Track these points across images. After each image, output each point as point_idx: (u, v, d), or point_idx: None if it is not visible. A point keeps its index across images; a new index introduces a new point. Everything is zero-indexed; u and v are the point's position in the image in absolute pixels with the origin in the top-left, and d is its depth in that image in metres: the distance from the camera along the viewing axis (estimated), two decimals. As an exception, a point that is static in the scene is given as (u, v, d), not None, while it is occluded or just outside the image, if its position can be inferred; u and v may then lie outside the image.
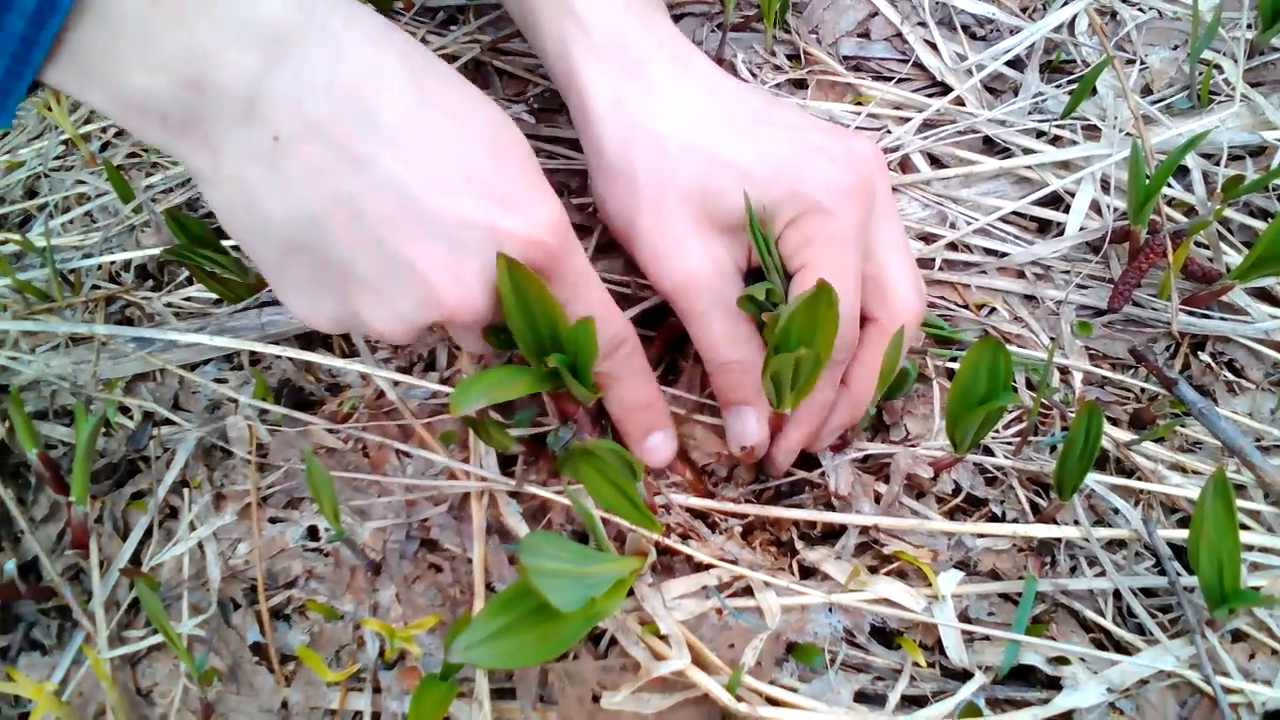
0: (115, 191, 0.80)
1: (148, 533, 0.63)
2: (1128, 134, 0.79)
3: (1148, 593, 0.58)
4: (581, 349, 0.50)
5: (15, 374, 0.70)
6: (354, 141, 0.45)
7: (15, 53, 0.40)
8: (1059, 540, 0.59)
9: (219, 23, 0.42)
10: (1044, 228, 0.77)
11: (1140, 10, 0.91)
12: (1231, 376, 0.70)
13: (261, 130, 0.44)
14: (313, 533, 0.62)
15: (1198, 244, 0.75)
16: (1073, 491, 0.55)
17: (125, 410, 0.69)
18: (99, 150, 0.89)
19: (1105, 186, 0.76)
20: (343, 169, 0.45)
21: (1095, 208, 0.76)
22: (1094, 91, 0.83)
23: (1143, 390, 0.69)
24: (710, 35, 0.88)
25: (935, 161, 0.80)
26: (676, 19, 0.87)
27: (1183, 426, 0.66)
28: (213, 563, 0.61)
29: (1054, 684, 0.54)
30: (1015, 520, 0.61)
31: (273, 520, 0.62)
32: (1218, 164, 0.78)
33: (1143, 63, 0.87)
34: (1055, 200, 0.78)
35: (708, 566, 0.57)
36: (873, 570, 0.58)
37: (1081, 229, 0.75)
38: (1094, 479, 0.61)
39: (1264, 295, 0.73)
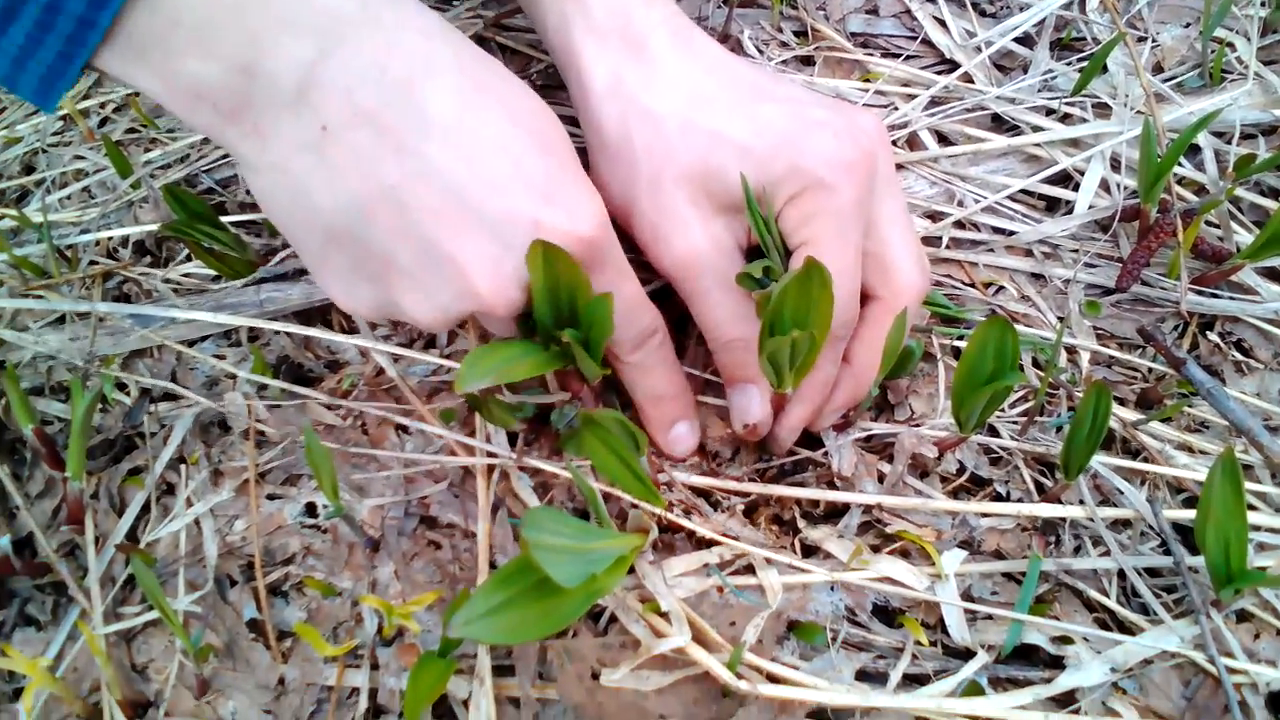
0: (114, 167, 0.79)
1: (144, 509, 0.63)
2: (1138, 112, 0.77)
3: (1152, 573, 0.57)
4: (597, 324, 0.50)
5: (12, 349, 0.70)
6: (403, 132, 0.45)
7: (71, 34, 0.41)
8: (1063, 520, 0.58)
9: (274, 11, 0.42)
10: (1053, 206, 0.76)
11: (1151, -13, 0.89)
12: (1240, 356, 0.69)
13: (311, 118, 0.45)
14: (311, 509, 0.62)
15: (1208, 223, 0.74)
16: (1079, 471, 0.55)
17: (122, 386, 0.68)
18: (97, 126, 0.89)
19: (1115, 165, 0.76)
20: (390, 159, 0.46)
21: (1105, 186, 0.75)
22: (1105, 69, 0.82)
23: (1150, 370, 0.68)
24: (716, 11, 0.87)
25: (943, 139, 0.80)
26: (681, -6, 0.86)
27: (1190, 407, 0.65)
28: (209, 539, 0.60)
29: (1057, 663, 0.53)
30: (1020, 500, 0.60)
31: (270, 497, 0.62)
32: (1229, 142, 0.77)
33: (1154, 40, 0.86)
34: (1064, 178, 0.77)
35: (709, 544, 0.56)
36: (875, 549, 0.58)
37: (1090, 207, 0.74)
38: (1100, 459, 0.61)
39: (1274, 275, 0.72)
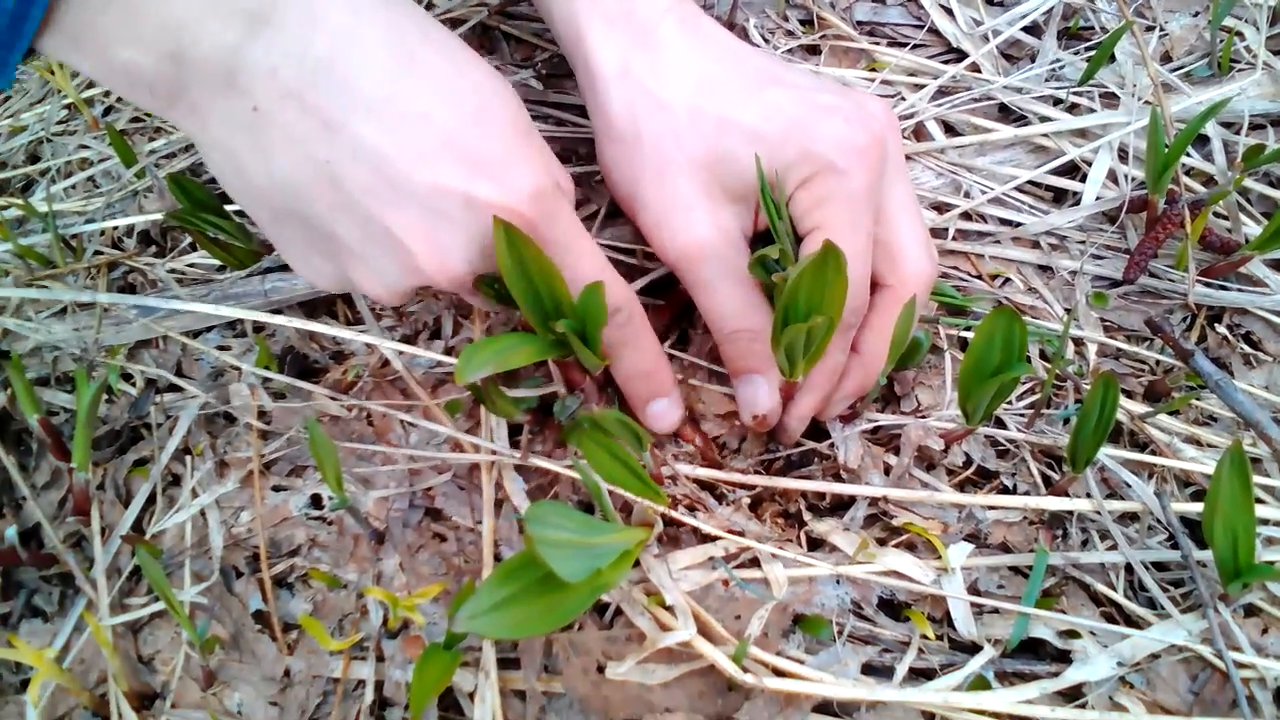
0: (118, 156, 0.79)
1: (150, 500, 0.63)
2: (1146, 102, 0.77)
3: (1160, 567, 0.57)
4: (590, 316, 0.49)
5: (17, 339, 0.70)
6: (330, 109, 0.45)
7: (7, 25, 0.42)
8: (1071, 513, 0.58)
9: None
10: (1060, 197, 0.76)
11: (1160, -25, 0.89)
12: (1248, 349, 0.69)
13: (242, 100, 0.45)
14: (316, 501, 0.62)
15: (1216, 214, 0.73)
16: (1086, 464, 0.55)
17: (128, 377, 0.68)
18: (102, 115, 0.88)
19: (1123, 155, 0.75)
20: (320, 137, 0.46)
21: (1112, 177, 0.75)
22: (1112, 58, 0.82)
23: (1158, 362, 0.68)
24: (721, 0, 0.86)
25: (950, 129, 0.79)
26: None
27: (1198, 399, 0.65)
28: (215, 530, 0.60)
29: (1064, 657, 0.53)
30: (1027, 493, 0.60)
31: (276, 488, 0.62)
32: (1238, 133, 0.77)
33: (1162, 29, 0.85)
34: (1072, 169, 0.76)
35: (714, 538, 0.56)
36: (881, 542, 0.58)
37: (1098, 198, 0.74)
38: (1107, 452, 0.61)
39: (1283, 267, 0.72)
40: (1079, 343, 0.68)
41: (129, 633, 0.58)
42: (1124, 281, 0.70)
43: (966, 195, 0.74)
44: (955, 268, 0.71)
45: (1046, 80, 0.81)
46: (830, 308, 0.47)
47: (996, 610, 0.55)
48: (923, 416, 0.62)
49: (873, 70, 0.82)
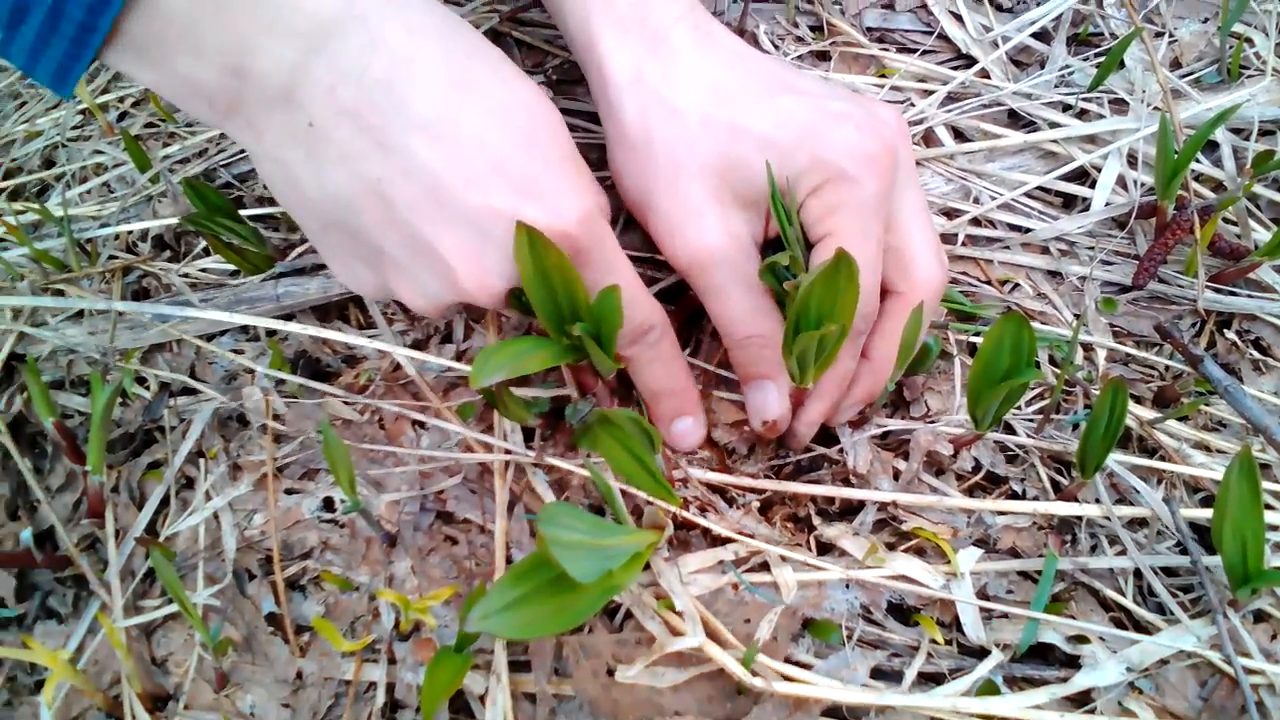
0: (133, 161, 0.80)
1: (164, 502, 0.63)
2: (1156, 108, 0.77)
3: (1169, 572, 0.57)
4: (606, 319, 0.50)
5: (33, 343, 0.71)
6: (384, 128, 0.47)
7: (74, 36, 0.44)
8: (1080, 518, 0.58)
9: (261, 15, 0.45)
10: (1069, 203, 0.76)
11: (1170, -18, 0.89)
12: (1258, 355, 0.69)
13: (298, 115, 0.47)
14: (328, 504, 0.62)
15: (1225, 220, 0.73)
16: (1095, 470, 0.55)
17: (142, 380, 0.69)
18: (116, 120, 0.89)
19: (1132, 161, 0.75)
20: (373, 154, 0.47)
21: (1121, 183, 0.75)
22: (1122, 64, 0.82)
23: (1167, 368, 0.68)
24: (732, 6, 0.87)
25: (959, 135, 0.79)
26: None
27: (1207, 405, 0.65)
28: (228, 533, 0.61)
29: (1073, 663, 0.53)
30: (1036, 498, 0.60)
31: (288, 491, 0.62)
32: (1247, 139, 0.77)
33: (1172, 35, 0.85)
34: (1081, 175, 0.77)
35: (725, 541, 0.56)
36: (891, 547, 0.58)
37: (1107, 204, 0.74)
38: (1116, 457, 0.61)
39: (1292, 273, 0.72)
40: (1088, 348, 0.68)
41: (142, 634, 0.58)
42: (1133, 287, 0.70)
43: (976, 201, 0.74)
44: (965, 273, 0.71)
45: (1056, 86, 0.81)
46: (842, 315, 0.48)
47: (1005, 615, 0.55)
48: (932, 422, 0.62)
49: (882, 76, 0.82)
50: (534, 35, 0.84)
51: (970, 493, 0.61)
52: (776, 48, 0.84)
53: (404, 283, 0.52)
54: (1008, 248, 0.73)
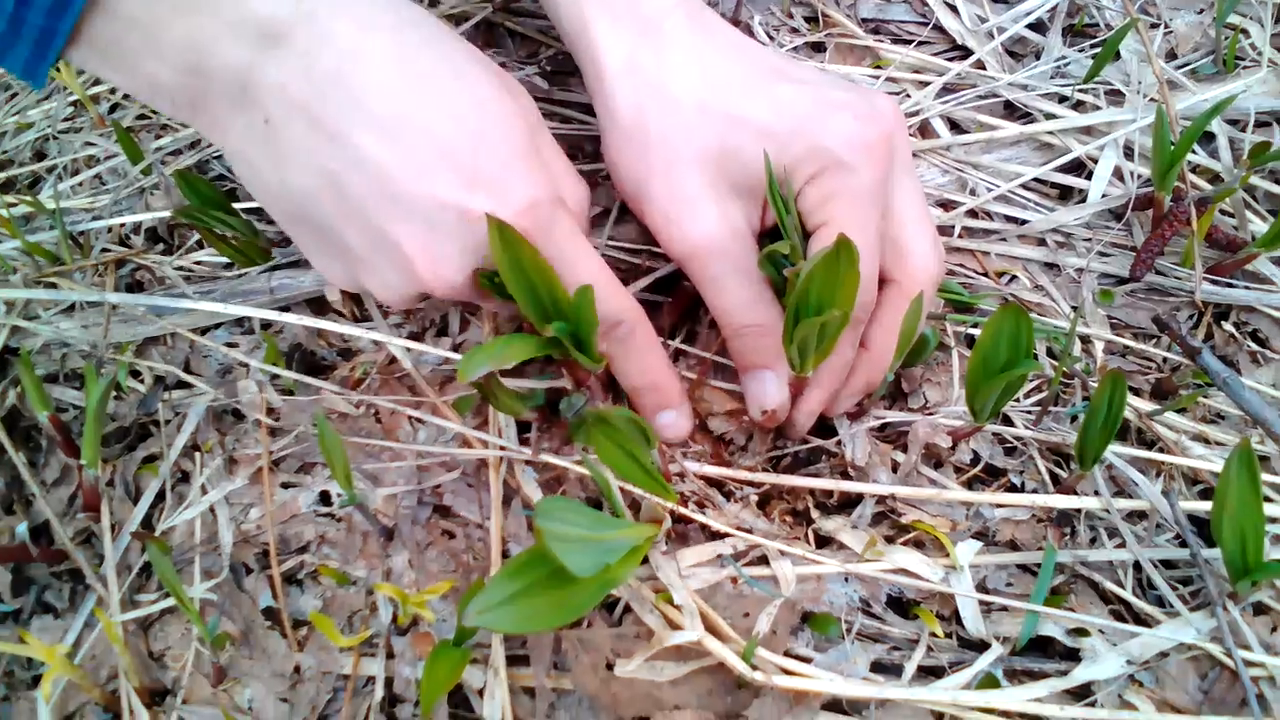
0: (125, 153, 0.79)
1: (159, 496, 0.63)
2: (1152, 99, 0.77)
3: (1168, 565, 0.57)
4: (582, 319, 0.50)
5: (26, 336, 0.70)
6: (335, 122, 0.48)
7: (38, 39, 0.46)
8: (1079, 511, 0.58)
9: (216, 17, 0.46)
10: (1065, 194, 0.76)
11: (1166, -27, 0.89)
12: (1255, 346, 0.69)
13: (256, 113, 0.49)
14: (325, 498, 0.62)
15: (1222, 212, 0.73)
16: (1094, 462, 0.55)
17: (136, 374, 0.68)
18: (108, 112, 0.88)
19: (1129, 153, 0.75)
20: (326, 148, 0.48)
21: (1118, 174, 0.75)
22: (1117, 56, 0.82)
23: (1165, 360, 0.68)
24: (726, -3, 0.86)
25: (955, 127, 0.79)
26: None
27: (1206, 397, 0.65)
28: (224, 527, 0.60)
29: (1072, 655, 0.53)
30: (1034, 490, 0.60)
31: (285, 485, 0.62)
32: (1244, 130, 0.77)
33: (1168, 26, 0.85)
34: (1077, 166, 0.76)
35: (723, 535, 0.56)
36: (889, 540, 0.58)
37: (1104, 196, 0.74)
38: (1115, 449, 0.61)
39: (1289, 264, 0.72)
40: (1086, 340, 0.68)
41: (139, 629, 0.58)
42: (1130, 279, 0.70)
43: (972, 192, 0.74)
44: (962, 265, 0.71)
45: (1052, 77, 0.81)
46: (842, 302, 0.47)
47: (1005, 608, 0.55)
48: (930, 414, 0.62)
49: (877, 67, 0.82)
50: (527, 25, 0.83)
51: (969, 485, 0.61)
52: (771, 38, 0.84)
53: (369, 275, 0.53)
54: (1005, 239, 0.73)
